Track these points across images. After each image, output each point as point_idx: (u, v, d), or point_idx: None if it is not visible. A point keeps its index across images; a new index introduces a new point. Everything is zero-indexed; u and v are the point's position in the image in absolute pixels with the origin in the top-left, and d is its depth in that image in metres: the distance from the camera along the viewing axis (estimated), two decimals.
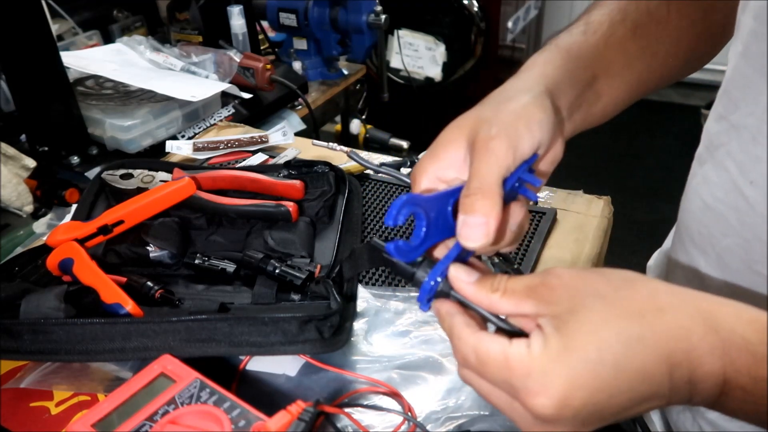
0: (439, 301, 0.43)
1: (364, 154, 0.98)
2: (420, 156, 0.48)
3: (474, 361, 0.39)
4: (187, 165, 0.92)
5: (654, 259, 0.77)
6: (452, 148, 0.44)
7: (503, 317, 0.41)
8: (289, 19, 1.54)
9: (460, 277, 0.41)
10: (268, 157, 1.01)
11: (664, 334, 0.35)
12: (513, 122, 0.43)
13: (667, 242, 0.72)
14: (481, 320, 0.42)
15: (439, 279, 0.42)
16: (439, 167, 0.45)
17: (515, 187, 0.45)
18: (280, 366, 0.64)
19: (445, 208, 0.43)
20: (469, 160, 0.43)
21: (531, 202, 0.88)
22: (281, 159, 1.00)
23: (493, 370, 0.38)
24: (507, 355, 0.37)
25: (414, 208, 0.42)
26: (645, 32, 0.54)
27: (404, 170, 0.87)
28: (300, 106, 1.48)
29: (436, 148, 0.45)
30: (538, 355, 0.36)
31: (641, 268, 0.77)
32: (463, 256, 0.43)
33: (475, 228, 0.41)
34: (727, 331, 0.35)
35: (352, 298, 0.68)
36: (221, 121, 1.25)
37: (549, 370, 0.36)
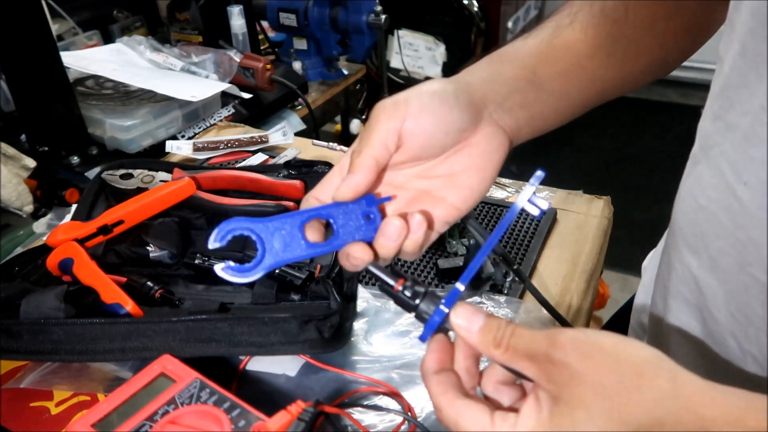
0: (426, 353, 0.43)
1: None
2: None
3: (453, 429, 0.40)
4: (187, 165, 0.91)
5: (649, 260, 0.77)
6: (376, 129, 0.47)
7: None
8: (289, 19, 1.54)
9: (462, 324, 0.41)
10: (268, 157, 1.01)
11: None
12: (412, 97, 0.46)
13: (662, 243, 0.72)
14: (461, 382, 0.42)
15: (441, 314, 0.42)
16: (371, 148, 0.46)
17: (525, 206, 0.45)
18: (280, 366, 0.64)
19: (295, 229, 0.45)
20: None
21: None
22: (281, 159, 1.00)
23: None
24: (485, 428, 0.38)
25: (243, 231, 0.43)
26: (597, 32, 0.55)
27: None
28: (300, 106, 1.49)
29: (367, 131, 0.47)
30: None
31: (641, 268, 0.77)
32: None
33: (346, 183, 0.44)
34: None
35: (352, 298, 0.68)
36: (221, 121, 1.25)
37: None
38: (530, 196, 0.44)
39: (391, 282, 0.43)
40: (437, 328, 0.42)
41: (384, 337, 0.66)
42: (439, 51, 2.60)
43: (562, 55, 0.54)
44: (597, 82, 0.56)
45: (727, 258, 0.52)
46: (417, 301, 0.42)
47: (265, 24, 1.60)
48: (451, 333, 0.42)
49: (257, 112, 1.37)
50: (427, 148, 0.47)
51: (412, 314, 0.43)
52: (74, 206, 0.85)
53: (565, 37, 0.54)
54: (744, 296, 0.51)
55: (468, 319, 0.40)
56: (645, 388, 0.36)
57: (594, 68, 0.55)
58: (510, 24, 2.75)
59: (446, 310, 0.41)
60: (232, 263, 0.43)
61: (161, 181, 0.82)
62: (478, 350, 0.40)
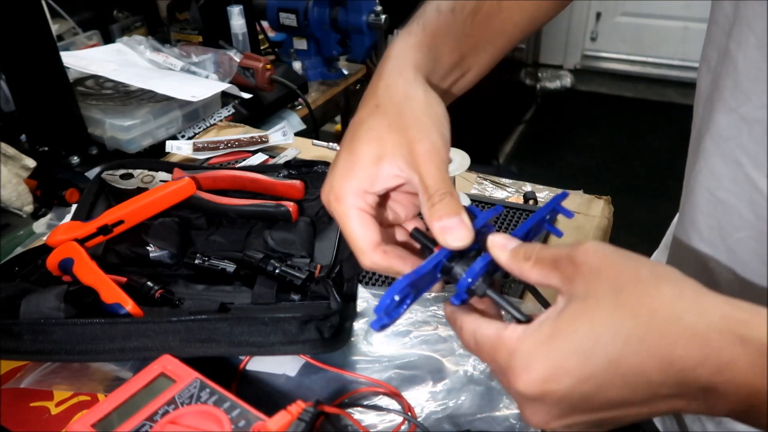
0: (449, 306, 0.44)
1: None
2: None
3: (473, 345, 0.40)
4: (187, 165, 0.92)
5: (653, 259, 0.77)
6: (377, 162, 0.45)
7: (522, 311, 0.42)
8: (289, 19, 1.54)
9: (498, 241, 0.42)
10: (268, 157, 1.01)
11: (672, 338, 0.34)
12: (432, 124, 0.45)
13: (665, 240, 0.72)
14: (493, 314, 0.44)
15: (473, 279, 0.42)
16: (367, 182, 0.45)
17: (545, 219, 0.47)
18: (280, 366, 0.64)
19: (435, 270, 0.44)
20: (399, 171, 0.44)
21: (530, 201, 0.88)
22: (281, 159, 1.00)
23: (486, 349, 0.39)
24: (499, 335, 0.38)
25: (408, 290, 0.42)
26: (510, 4, 0.57)
27: None
28: (300, 106, 1.48)
29: (356, 164, 0.45)
30: (528, 336, 0.37)
31: None
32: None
33: (457, 228, 0.42)
34: (757, 343, 0.33)
35: (352, 298, 0.68)
36: (221, 121, 1.25)
37: (533, 352, 0.36)
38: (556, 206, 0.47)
39: (430, 245, 0.44)
40: (470, 290, 0.43)
41: (384, 337, 0.66)
42: None
43: (481, 34, 0.56)
44: (502, 52, 0.59)
45: (747, 250, 0.52)
46: (452, 264, 0.43)
47: (265, 24, 1.60)
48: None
49: (257, 112, 1.36)
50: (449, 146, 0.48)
51: (447, 277, 0.44)
52: (74, 206, 0.85)
53: (486, 11, 0.55)
54: (763, 287, 0.51)
55: (504, 239, 0.42)
56: (664, 286, 0.36)
57: (503, 42, 0.58)
58: None
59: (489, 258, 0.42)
60: (385, 319, 0.42)
61: (161, 181, 0.82)
62: (507, 268, 0.41)
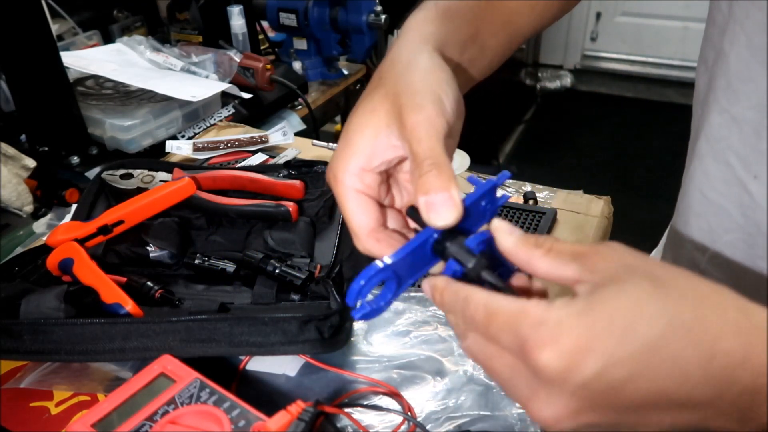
0: (441, 279, 0.39)
1: None
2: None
3: (482, 316, 0.34)
4: (187, 165, 0.91)
5: None
6: (373, 135, 0.42)
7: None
8: (289, 19, 1.53)
9: (503, 228, 0.38)
10: (268, 157, 1.01)
11: (717, 330, 0.31)
12: (426, 88, 0.41)
13: (663, 241, 0.72)
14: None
15: (484, 235, 0.39)
16: (364, 159, 0.42)
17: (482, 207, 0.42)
18: (280, 366, 0.64)
19: (425, 250, 0.40)
20: (396, 141, 0.41)
21: (530, 201, 0.88)
22: (281, 159, 1.00)
23: (503, 319, 0.33)
24: (522, 306, 0.33)
25: (385, 276, 0.39)
26: None
27: None
28: (300, 106, 1.48)
29: (353, 140, 0.42)
30: (557, 308, 0.32)
31: None
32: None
33: (442, 205, 0.37)
34: None
35: None
36: (221, 121, 1.25)
37: (566, 322, 0.31)
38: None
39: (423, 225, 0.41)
40: (464, 273, 0.38)
41: (384, 337, 0.66)
42: None
43: (496, 11, 0.55)
44: (520, 34, 0.58)
45: (736, 252, 0.52)
46: (446, 242, 0.39)
47: (265, 24, 1.60)
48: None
49: (257, 112, 1.36)
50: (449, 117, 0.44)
51: (441, 257, 0.40)
52: (74, 206, 0.85)
53: None
54: (753, 289, 0.51)
55: (509, 226, 0.38)
56: (699, 280, 0.33)
57: (520, 22, 0.57)
58: None
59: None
60: (367, 308, 0.39)
61: (161, 181, 0.82)
62: (513, 253, 0.37)
